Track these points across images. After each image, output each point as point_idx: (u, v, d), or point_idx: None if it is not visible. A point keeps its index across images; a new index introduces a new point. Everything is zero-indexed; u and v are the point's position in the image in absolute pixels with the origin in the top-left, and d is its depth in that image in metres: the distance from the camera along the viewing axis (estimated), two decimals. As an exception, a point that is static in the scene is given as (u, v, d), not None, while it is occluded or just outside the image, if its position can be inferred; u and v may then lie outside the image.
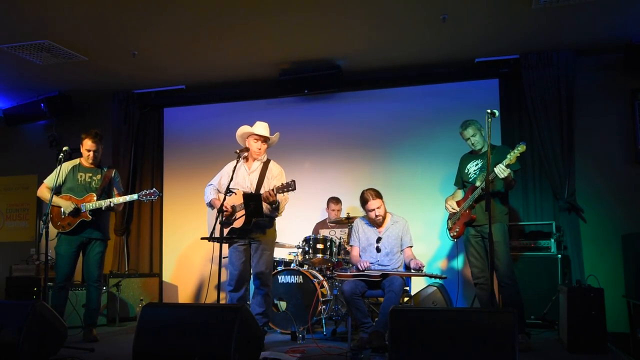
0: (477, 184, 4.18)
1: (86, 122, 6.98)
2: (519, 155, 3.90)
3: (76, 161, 4.73)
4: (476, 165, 4.35)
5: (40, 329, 3.39)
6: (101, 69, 5.91)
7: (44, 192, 4.63)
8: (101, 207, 4.49)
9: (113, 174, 4.74)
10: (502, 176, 3.91)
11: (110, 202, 4.51)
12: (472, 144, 4.38)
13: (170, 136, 6.86)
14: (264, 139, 4.37)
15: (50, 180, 4.63)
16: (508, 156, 3.90)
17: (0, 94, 6.73)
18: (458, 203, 4.40)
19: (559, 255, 4.98)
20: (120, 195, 4.67)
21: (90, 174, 4.67)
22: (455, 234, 4.38)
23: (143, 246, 6.66)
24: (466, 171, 4.41)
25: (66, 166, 4.67)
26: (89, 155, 4.64)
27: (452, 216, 4.44)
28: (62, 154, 4.48)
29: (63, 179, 4.64)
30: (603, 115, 5.46)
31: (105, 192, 4.66)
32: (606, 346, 3.77)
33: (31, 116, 6.84)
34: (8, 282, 6.01)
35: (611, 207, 5.30)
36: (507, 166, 3.90)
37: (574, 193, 5.25)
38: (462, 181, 4.47)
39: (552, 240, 5.02)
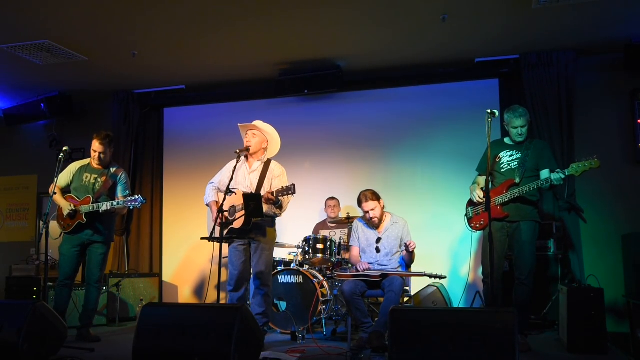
0: (517, 180, 3.98)
1: (86, 122, 7.00)
2: (588, 170, 3.75)
3: (86, 161, 4.72)
4: (511, 156, 4.10)
5: (40, 329, 3.39)
6: (101, 69, 5.91)
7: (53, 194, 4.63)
8: (98, 210, 4.44)
9: (119, 177, 4.67)
10: (557, 184, 3.81)
11: (101, 207, 4.42)
12: (519, 135, 4.05)
13: (170, 136, 6.86)
14: (252, 131, 4.36)
15: (59, 180, 4.62)
16: (574, 166, 3.75)
17: (0, 94, 6.73)
18: (484, 192, 4.09)
19: (559, 255, 4.98)
20: (123, 198, 4.61)
21: (96, 175, 4.63)
22: (479, 225, 4.14)
23: (143, 246, 6.65)
24: (498, 160, 4.14)
25: (75, 166, 4.69)
26: (94, 156, 4.62)
27: (474, 205, 4.20)
28: (62, 154, 4.48)
29: (71, 178, 4.66)
30: (603, 115, 5.46)
31: (108, 195, 4.61)
32: (606, 346, 3.76)
33: (31, 116, 6.84)
34: (8, 282, 6.00)
35: (611, 207, 5.30)
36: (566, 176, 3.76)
37: (574, 193, 5.24)
38: (488, 168, 4.09)
39: (552, 240, 5.02)
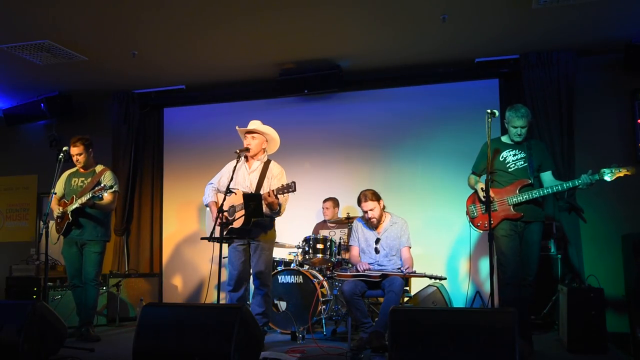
0: (530, 180, 3.90)
1: (86, 122, 7.00)
2: (622, 176, 3.71)
3: (74, 168, 4.88)
4: (514, 155, 3.99)
5: (40, 329, 3.39)
6: (101, 69, 5.91)
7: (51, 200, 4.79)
8: (81, 207, 4.52)
9: (103, 176, 4.72)
10: (583, 187, 3.78)
11: (78, 201, 4.51)
12: (518, 135, 3.96)
13: (170, 136, 6.86)
14: (251, 134, 4.37)
15: (56, 190, 4.79)
16: (606, 171, 3.71)
17: (0, 94, 6.73)
18: (485, 193, 3.92)
19: (559, 255, 4.97)
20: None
21: (83, 179, 4.79)
22: (487, 225, 3.94)
23: (143, 246, 6.65)
24: (501, 159, 4.02)
25: (65, 174, 4.88)
26: (74, 160, 4.78)
27: (480, 203, 4.06)
28: (62, 154, 4.52)
29: (64, 186, 4.83)
30: (603, 115, 5.45)
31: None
32: (606, 346, 3.77)
33: (31, 116, 6.84)
34: (8, 282, 6.01)
35: (611, 207, 5.29)
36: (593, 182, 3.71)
37: (574, 193, 5.24)
38: (488, 168, 3.91)
39: (553, 240, 5.01)
